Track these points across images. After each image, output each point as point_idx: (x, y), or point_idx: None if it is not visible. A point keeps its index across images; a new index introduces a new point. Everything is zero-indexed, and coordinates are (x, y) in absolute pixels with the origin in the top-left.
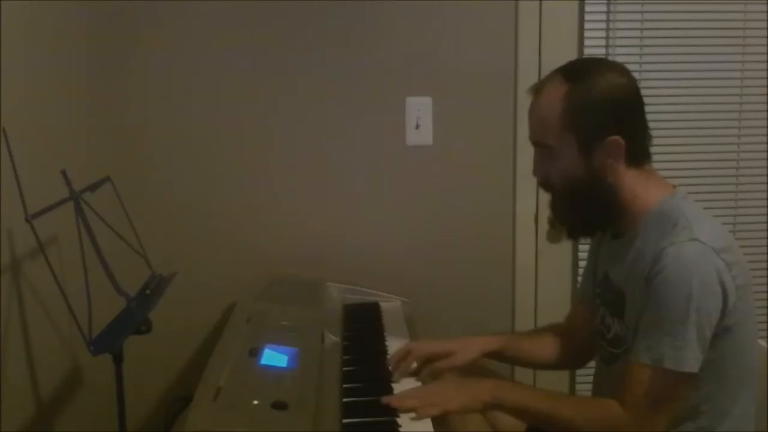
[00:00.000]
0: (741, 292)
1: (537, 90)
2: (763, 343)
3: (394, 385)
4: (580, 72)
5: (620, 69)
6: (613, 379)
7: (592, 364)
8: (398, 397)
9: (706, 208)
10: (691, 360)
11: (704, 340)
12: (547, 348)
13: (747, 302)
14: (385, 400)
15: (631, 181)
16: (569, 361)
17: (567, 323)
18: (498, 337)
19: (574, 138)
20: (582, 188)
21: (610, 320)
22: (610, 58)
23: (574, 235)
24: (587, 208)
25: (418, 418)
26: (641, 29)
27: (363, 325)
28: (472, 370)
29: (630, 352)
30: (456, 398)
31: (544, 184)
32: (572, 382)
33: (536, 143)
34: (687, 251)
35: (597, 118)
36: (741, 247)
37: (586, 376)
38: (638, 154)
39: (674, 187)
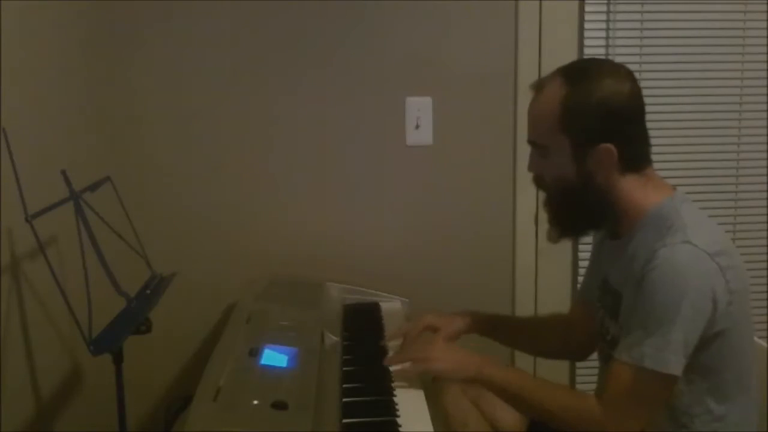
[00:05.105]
0: (736, 297)
1: (537, 88)
2: (763, 343)
3: (394, 385)
4: (581, 75)
5: (623, 74)
6: None
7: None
8: (394, 357)
9: (705, 208)
10: (673, 362)
11: (689, 344)
12: (546, 336)
13: (743, 306)
14: (386, 361)
15: (628, 186)
16: (567, 353)
17: (569, 316)
18: (490, 317)
19: (568, 142)
20: (573, 191)
21: (609, 322)
22: (610, 58)
23: (565, 235)
24: (577, 210)
25: (409, 372)
26: (641, 29)
27: (363, 325)
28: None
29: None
30: (443, 360)
31: (538, 182)
32: (572, 374)
33: (531, 143)
34: (679, 253)
35: (591, 125)
36: (741, 246)
37: (586, 367)
38: (635, 160)
39: (674, 189)
